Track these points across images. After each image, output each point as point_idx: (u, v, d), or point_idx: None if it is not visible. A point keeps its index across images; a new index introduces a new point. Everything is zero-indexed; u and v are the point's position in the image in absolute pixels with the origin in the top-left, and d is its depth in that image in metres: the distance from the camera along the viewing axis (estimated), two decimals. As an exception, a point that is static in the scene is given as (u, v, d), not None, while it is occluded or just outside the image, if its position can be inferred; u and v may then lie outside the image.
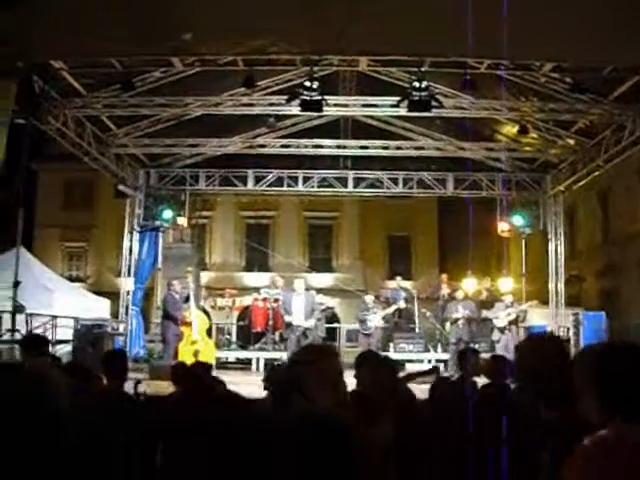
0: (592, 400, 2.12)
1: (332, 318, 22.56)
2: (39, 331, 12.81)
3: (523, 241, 18.56)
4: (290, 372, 3.15)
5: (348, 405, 3.16)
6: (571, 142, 16.09)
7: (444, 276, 18.26)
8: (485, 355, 12.40)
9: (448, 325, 16.46)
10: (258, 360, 16.21)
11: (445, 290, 17.32)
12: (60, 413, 1.48)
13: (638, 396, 2.03)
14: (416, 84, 11.83)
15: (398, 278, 19.48)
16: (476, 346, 16.04)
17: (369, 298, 16.59)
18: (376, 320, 15.96)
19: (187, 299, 14.67)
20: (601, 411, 2.07)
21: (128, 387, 5.38)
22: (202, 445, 2.52)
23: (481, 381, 6.72)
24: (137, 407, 4.73)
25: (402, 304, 17.01)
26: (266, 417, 2.73)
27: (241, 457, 1.66)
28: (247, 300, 19.16)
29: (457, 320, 15.46)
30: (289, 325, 15.03)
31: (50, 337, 12.54)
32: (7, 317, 11.88)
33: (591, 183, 17.17)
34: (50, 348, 10.02)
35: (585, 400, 2.15)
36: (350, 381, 4.33)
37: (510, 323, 14.88)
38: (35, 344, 6.32)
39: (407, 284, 23.98)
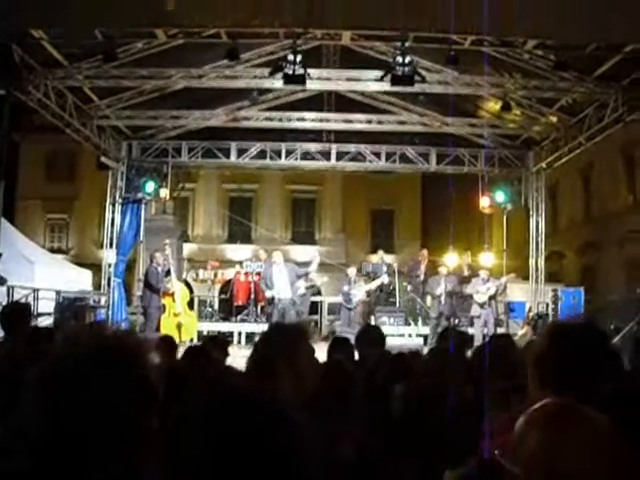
0: (533, 381, 2.35)
1: (314, 291, 22.65)
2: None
3: (505, 217, 18.63)
4: (281, 344, 2.97)
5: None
6: (554, 119, 16.15)
7: (425, 251, 18.36)
8: (465, 329, 12.60)
9: (429, 299, 16.57)
10: (240, 333, 16.27)
11: (425, 265, 17.43)
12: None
13: (567, 372, 2.21)
14: (399, 59, 11.79)
15: (380, 252, 19.59)
16: (456, 321, 16.22)
17: (352, 271, 16.62)
18: (360, 294, 16.05)
19: (168, 272, 14.70)
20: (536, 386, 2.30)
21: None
22: None
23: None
24: None
25: (386, 279, 17.08)
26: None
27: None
28: (229, 273, 19.18)
29: (440, 296, 15.55)
30: (272, 300, 15.07)
31: (32, 310, 12.47)
32: (-12, 290, 11.85)
33: (573, 160, 17.27)
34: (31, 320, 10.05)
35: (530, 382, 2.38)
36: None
37: (490, 298, 14.95)
38: (17, 314, 6.12)
39: (389, 258, 24.11)
